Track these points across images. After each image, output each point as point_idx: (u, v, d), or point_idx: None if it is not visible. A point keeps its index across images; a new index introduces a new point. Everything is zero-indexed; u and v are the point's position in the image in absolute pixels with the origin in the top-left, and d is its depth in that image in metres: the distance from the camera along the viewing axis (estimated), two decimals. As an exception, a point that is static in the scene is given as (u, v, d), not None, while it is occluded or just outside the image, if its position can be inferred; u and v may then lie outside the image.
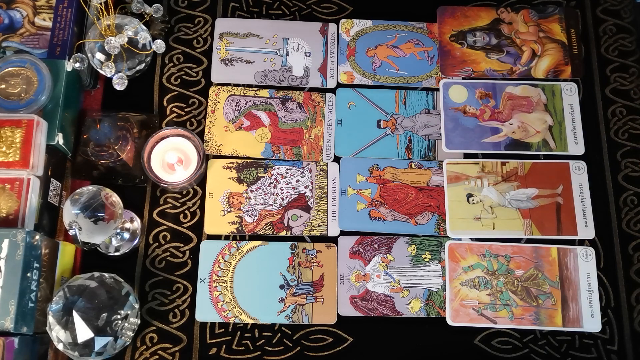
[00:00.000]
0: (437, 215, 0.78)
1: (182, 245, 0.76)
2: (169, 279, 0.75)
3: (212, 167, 0.79)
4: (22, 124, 0.69)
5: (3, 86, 0.73)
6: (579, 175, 0.79)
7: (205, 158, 0.77)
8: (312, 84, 0.83)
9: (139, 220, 0.76)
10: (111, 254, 0.75)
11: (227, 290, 0.74)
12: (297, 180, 0.79)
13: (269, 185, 0.78)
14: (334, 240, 0.77)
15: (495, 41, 0.85)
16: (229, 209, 0.77)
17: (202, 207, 0.77)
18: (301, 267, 0.75)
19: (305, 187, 0.79)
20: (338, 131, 0.81)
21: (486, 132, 0.81)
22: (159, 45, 0.79)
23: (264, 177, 0.79)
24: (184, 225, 0.77)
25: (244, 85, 0.83)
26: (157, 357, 0.72)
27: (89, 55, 0.78)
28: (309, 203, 0.78)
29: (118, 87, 0.78)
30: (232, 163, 0.79)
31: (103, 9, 0.76)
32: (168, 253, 0.76)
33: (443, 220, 0.77)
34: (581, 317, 0.74)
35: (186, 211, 0.77)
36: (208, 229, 0.77)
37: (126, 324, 0.66)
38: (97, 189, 0.68)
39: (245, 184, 0.78)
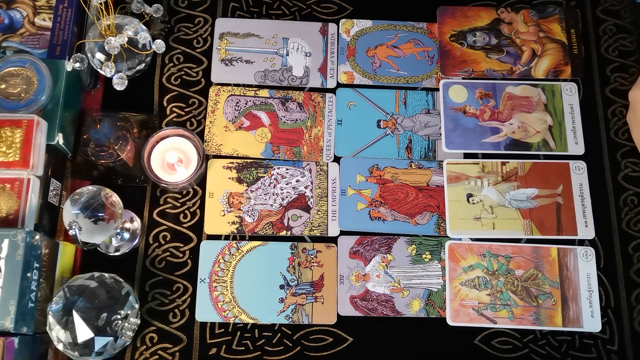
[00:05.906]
0: (437, 215, 0.78)
1: (182, 245, 0.76)
2: (169, 279, 0.75)
3: (212, 167, 0.79)
4: (22, 124, 0.69)
5: (3, 86, 0.72)
6: (579, 175, 0.79)
7: (205, 158, 0.77)
8: (312, 84, 0.83)
9: (139, 220, 0.76)
10: (111, 254, 0.75)
11: (227, 290, 0.74)
12: (297, 180, 0.79)
13: (269, 185, 0.78)
14: (334, 240, 0.77)
15: (495, 41, 0.85)
16: (229, 209, 0.77)
17: (202, 207, 0.77)
18: (301, 267, 0.75)
19: (305, 187, 0.79)
20: (338, 131, 0.81)
21: (486, 132, 0.81)
22: (159, 45, 0.79)
23: (264, 177, 0.79)
24: (184, 225, 0.77)
25: (244, 85, 0.83)
26: (157, 357, 0.72)
27: (89, 55, 0.78)
28: (309, 203, 0.78)
29: (118, 87, 0.78)
30: (232, 163, 0.79)
31: (103, 9, 0.76)
32: (168, 253, 0.76)
33: (443, 220, 0.77)
34: (581, 317, 0.74)
35: (186, 211, 0.77)
36: (208, 229, 0.77)
37: (126, 324, 0.66)
38: (97, 189, 0.68)
39: (245, 184, 0.78)
